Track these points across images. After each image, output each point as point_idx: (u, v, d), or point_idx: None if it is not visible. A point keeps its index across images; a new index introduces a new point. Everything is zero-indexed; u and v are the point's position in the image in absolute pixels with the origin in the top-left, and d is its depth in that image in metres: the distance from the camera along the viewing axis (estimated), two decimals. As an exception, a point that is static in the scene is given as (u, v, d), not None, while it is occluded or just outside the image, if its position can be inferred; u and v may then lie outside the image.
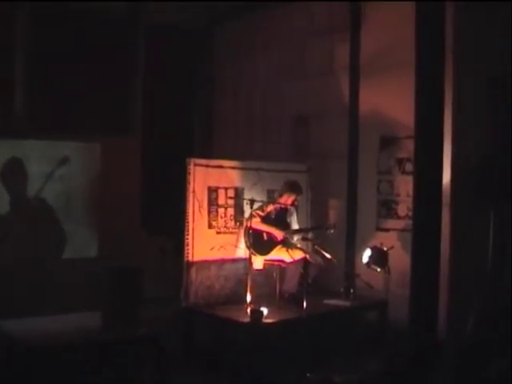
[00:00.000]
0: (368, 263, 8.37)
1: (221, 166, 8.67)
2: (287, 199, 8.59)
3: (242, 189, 8.81)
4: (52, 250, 8.89)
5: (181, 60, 11.66)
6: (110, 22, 10.60)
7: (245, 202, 8.53)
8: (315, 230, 9.03)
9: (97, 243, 9.08)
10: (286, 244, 8.53)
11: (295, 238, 8.72)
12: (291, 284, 8.44)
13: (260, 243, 8.36)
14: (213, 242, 8.48)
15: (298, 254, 8.39)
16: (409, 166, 8.63)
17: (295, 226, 8.80)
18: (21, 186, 8.72)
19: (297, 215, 8.89)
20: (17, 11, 9.76)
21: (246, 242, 8.36)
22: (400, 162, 8.88)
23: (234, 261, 8.63)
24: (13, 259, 8.45)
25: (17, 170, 8.67)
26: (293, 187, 8.62)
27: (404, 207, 8.78)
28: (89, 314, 6.75)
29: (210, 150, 11.67)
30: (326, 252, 8.48)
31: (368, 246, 8.50)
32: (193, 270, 8.23)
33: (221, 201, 8.62)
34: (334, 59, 9.86)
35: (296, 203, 8.75)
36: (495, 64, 8.15)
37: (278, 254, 8.47)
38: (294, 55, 10.51)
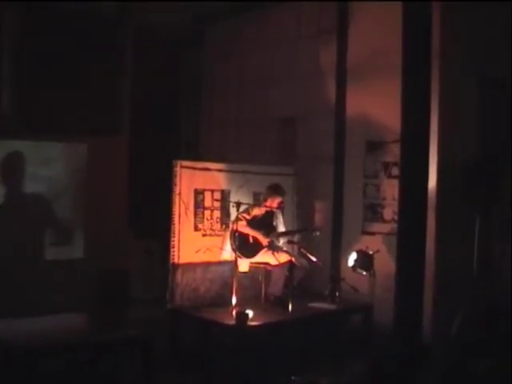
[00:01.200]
0: (354, 267, 8.39)
1: (207, 169, 8.68)
2: (272, 202, 8.60)
3: (229, 191, 8.82)
4: (47, 250, 8.86)
5: (169, 61, 11.65)
6: (99, 22, 10.57)
7: (231, 204, 8.53)
8: (301, 233, 9.05)
9: (83, 244, 9.04)
10: (272, 247, 8.53)
11: (281, 240, 8.73)
12: (277, 287, 8.45)
13: (246, 246, 8.36)
14: (199, 244, 8.48)
15: (284, 257, 8.40)
16: (395, 170, 8.65)
17: (281, 229, 8.81)
18: (18, 182, 8.69)
19: (283, 218, 8.90)
20: (4, 11, 9.72)
21: (231, 245, 8.36)
22: (386, 166, 8.90)
23: (220, 263, 8.63)
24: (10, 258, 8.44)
25: (16, 165, 8.64)
26: (275, 190, 8.63)
27: (390, 211, 8.80)
28: (75, 315, 6.74)
29: (196, 152, 11.67)
30: (312, 255, 8.50)
31: (354, 250, 8.52)
32: (178, 272, 8.23)
33: (207, 203, 8.62)
34: (321, 61, 9.87)
35: (282, 205, 8.75)
36: (483, 66, 8.20)
37: (264, 256, 8.48)
38: (281, 57, 10.52)
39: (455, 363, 6.35)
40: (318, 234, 8.65)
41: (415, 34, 6.43)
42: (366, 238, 9.02)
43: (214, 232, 8.65)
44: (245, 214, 8.43)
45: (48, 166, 8.75)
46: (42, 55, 10.05)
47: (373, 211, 9.06)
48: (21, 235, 8.62)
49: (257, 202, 8.83)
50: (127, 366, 6.57)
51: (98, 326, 6.41)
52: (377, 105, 8.92)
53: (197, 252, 8.45)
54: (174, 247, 8.22)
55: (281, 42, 10.53)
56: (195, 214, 8.48)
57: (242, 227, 8.33)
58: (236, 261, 8.13)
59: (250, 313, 7.47)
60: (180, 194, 8.31)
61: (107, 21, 10.56)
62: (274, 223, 8.75)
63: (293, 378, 6.89)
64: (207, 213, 8.61)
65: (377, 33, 8.93)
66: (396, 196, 8.15)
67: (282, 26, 10.48)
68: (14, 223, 8.62)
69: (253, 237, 8.47)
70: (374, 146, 9.07)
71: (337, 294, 8.60)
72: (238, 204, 8.20)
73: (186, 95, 12.25)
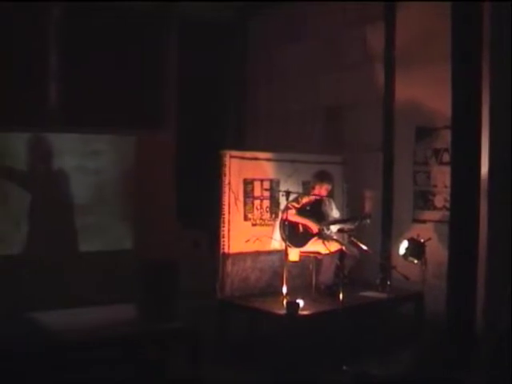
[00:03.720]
0: (405, 255, 8.29)
1: (256, 158, 8.67)
2: (320, 190, 8.56)
3: (278, 181, 8.80)
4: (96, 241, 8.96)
5: (213, 52, 11.66)
6: (143, 17, 10.63)
7: (280, 193, 8.52)
8: (351, 222, 8.98)
9: (132, 236, 9.11)
10: (322, 236, 8.49)
11: (332, 228, 8.67)
12: (327, 276, 8.42)
13: (296, 235, 8.35)
14: (248, 234, 8.50)
15: (334, 246, 8.35)
16: (446, 157, 8.55)
17: (335, 216, 8.76)
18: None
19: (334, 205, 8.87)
20: (51, 7, 9.83)
21: (281, 235, 8.35)
22: (437, 152, 8.80)
23: (270, 253, 8.63)
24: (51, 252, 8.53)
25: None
26: (322, 177, 8.59)
27: (441, 198, 8.70)
28: (124, 306, 6.78)
29: (243, 142, 11.66)
30: (362, 244, 8.44)
31: (405, 238, 8.44)
32: (228, 262, 8.25)
33: (256, 193, 8.62)
34: (368, 49, 9.79)
35: (330, 192, 8.69)
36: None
37: (314, 245, 8.44)
38: (328, 45, 10.44)
39: (504, 355, 6.26)
40: (368, 222, 8.58)
41: (465, 20, 6.35)
42: (417, 225, 8.94)
43: (263, 221, 8.65)
44: (294, 203, 8.40)
45: (96, 159, 8.84)
46: (88, 51, 10.13)
47: (424, 199, 8.97)
48: (70, 227, 8.75)
49: (306, 191, 8.79)
50: (175, 357, 6.60)
51: (146, 318, 6.44)
52: (426, 91, 8.82)
53: (246, 242, 8.46)
54: (223, 237, 8.24)
55: (327, 30, 10.44)
56: (245, 204, 8.49)
57: (292, 216, 8.31)
58: (286, 250, 8.12)
59: (301, 302, 7.45)
60: (229, 183, 8.31)
61: (152, 15, 10.62)
62: (324, 210, 8.70)
63: (344, 367, 6.86)
64: (257, 202, 8.61)
65: (425, 17, 8.82)
66: (447, 183, 8.08)
67: (328, 13, 10.38)
68: (64, 215, 8.74)
69: (302, 226, 8.44)
70: (424, 133, 8.97)
71: (388, 282, 8.52)
72: (288, 193, 8.19)
73: (231, 86, 12.22)
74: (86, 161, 8.82)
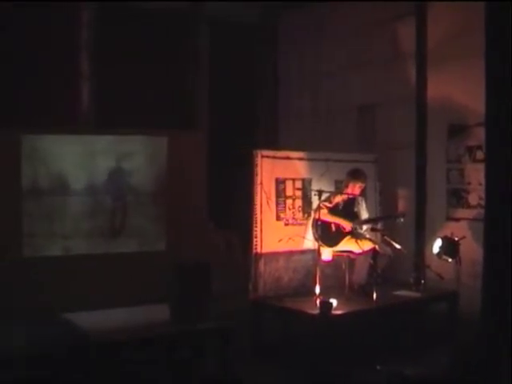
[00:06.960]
0: (439, 254, 8.25)
1: (288, 158, 8.64)
2: (353, 188, 8.49)
3: (310, 180, 8.77)
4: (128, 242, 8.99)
5: (244, 51, 11.65)
6: (175, 17, 10.65)
7: (313, 193, 8.49)
8: (385, 220, 8.94)
9: (165, 237, 9.12)
10: (355, 235, 8.44)
11: (364, 227, 8.63)
12: (360, 275, 8.37)
13: (328, 234, 8.31)
14: (281, 233, 8.48)
15: (367, 245, 8.30)
16: (479, 154, 8.48)
17: (364, 216, 8.70)
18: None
19: (365, 205, 8.79)
20: (83, 11, 9.89)
21: (314, 234, 8.31)
22: (470, 149, 8.73)
23: (303, 252, 8.61)
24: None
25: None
26: (355, 175, 8.52)
27: (475, 196, 8.63)
28: (156, 307, 6.81)
29: (275, 141, 11.64)
30: (396, 242, 8.38)
31: (438, 236, 8.38)
32: (261, 262, 8.24)
33: (288, 192, 8.60)
34: (400, 46, 9.73)
35: (363, 191, 8.65)
36: None
37: (347, 244, 8.40)
38: (358, 43, 10.39)
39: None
40: (401, 220, 8.50)
41: (499, 16, 6.27)
42: (451, 224, 8.88)
43: (296, 221, 8.62)
44: (326, 203, 8.35)
45: (129, 160, 8.86)
46: (120, 52, 10.18)
47: (457, 197, 8.90)
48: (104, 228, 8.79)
49: (338, 190, 8.75)
50: (208, 357, 6.61)
51: (179, 318, 6.46)
52: (458, 88, 8.77)
53: (279, 241, 8.44)
54: (256, 237, 8.23)
55: (358, 28, 10.39)
56: (277, 204, 8.48)
57: (324, 215, 8.27)
58: (319, 249, 8.09)
59: (334, 302, 7.43)
60: (261, 183, 8.30)
61: (183, 16, 10.64)
62: (356, 210, 8.64)
63: (378, 367, 6.83)
64: (289, 202, 8.59)
65: (457, 13, 8.74)
66: (481, 180, 8.01)
67: (359, 11, 10.33)
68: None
69: (335, 225, 8.40)
70: (457, 130, 8.91)
71: (422, 281, 8.47)
72: (320, 192, 8.14)
73: (262, 85, 12.21)
74: (120, 162, 8.86)
